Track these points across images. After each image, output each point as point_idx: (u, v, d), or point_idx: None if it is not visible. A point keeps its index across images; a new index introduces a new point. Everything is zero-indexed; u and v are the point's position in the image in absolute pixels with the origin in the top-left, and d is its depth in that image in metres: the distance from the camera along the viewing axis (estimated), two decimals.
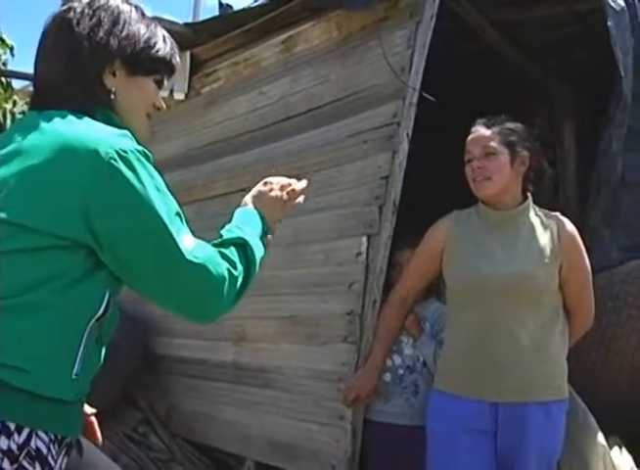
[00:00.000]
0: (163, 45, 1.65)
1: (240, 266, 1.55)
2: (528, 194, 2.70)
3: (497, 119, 2.70)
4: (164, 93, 4.34)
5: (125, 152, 1.42)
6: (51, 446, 1.42)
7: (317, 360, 3.28)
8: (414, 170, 3.20)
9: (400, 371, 3.10)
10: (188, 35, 4.21)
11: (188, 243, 1.45)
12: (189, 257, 1.44)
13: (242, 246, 1.59)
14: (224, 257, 1.53)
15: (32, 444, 1.38)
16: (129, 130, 1.53)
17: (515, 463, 2.51)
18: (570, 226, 2.66)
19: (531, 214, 2.66)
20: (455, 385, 2.62)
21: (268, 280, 3.55)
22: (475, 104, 4.05)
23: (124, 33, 1.58)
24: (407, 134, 3.11)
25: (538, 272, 2.54)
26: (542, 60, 4.15)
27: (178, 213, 1.48)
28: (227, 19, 4.05)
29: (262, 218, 1.74)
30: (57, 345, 1.41)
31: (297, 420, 3.32)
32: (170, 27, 4.13)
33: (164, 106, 1.72)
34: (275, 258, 3.54)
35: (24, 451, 1.37)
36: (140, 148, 1.47)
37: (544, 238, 2.60)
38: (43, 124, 1.47)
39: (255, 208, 1.76)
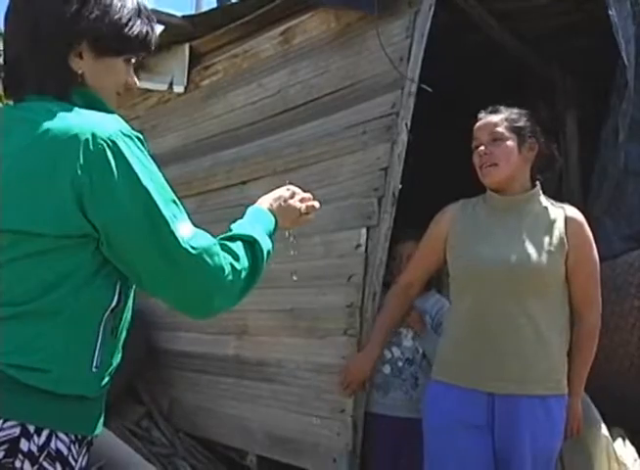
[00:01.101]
0: (137, 23, 1.55)
1: (245, 261, 1.51)
2: (537, 182, 2.67)
3: (504, 107, 2.68)
4: (163, 86, 4.34)
5: (116, 138, 1.37)
6: (72, 447, 1.41)
7: (317, 353, 3.27)
8: (415, 162, 3.19)
9: (400, 363, 3.09)
10: (186, 28, 4.19)
11: (185, 231, 1.41)
12: (185, 245, 1.39)
13: (250, 243, 1.56)
14: (227, 249, 1.49)
15: (53, 445, 1.37)
16: (110, 111, 1.49)
17: (511, 457, 2.48)
18: (577, 216, 2.62)
19: (539, 202, 2.63)
20: (452, 374, 2.59)
21: (268, 273, 3.53)
22: (476, 94, 4.05)
23: (93, 14, 1.48)
24: (406, 125, 3.08)
25: (540, 259, 2.50)
26: (543, 49, 4.11)
27: (174, 201, 1.44)
28: (225, 11, 4.01)
29: (275, 223, 1.72)
30: (74, 341, 1.40)
31: (298, 414, 3.31)
32: (169, 20, 4.15)
33: (137, 82, 1.64)
34: (275, 251, 3.52)
35: (45, 453, 1.36)
36: (133, 132, 1.42)
37: (550, 226, 2.56)
38: (26, 122, 1.41)
39: (271, 210, 1.73)
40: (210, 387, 3.86)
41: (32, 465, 1.34)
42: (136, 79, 1.64)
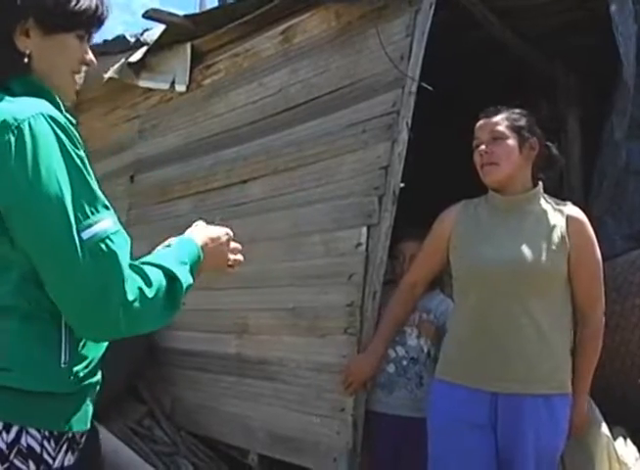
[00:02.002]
0: None
1: (157, 292, 1.38)
2: (539, 182, 2.67)
3: (505, 106, 2.68)
4: (165, 85, 4.35)
5: (27, 121, 1.30)
6: (45, 443, 1.37)
7: (318, 352, 3.27)
8: (416, 160, 3.19)
9: (404, 362, 3.09)
10: (188, 27, 4.20)
11: (91, 232, 1.30)
12: (82, 248, 1.28)
13: (171, 278, 1.43)
14: (140, 272, 1.37)
15: (23, 441, 1.34)
16: (50, 97, 1.44)
17: (514, 457, 2.48)
18: (579, 215, 2.62)
19: (541, 202, 2.63)
20: (455, 373, 2.60)
21: (269, 272, 3.55)
22: (477, 92, 4.04)
23: None
24: (407, 123, 3.08)
25: (542, 258, 2.50)
26: (545, 47, 4.10)
27: (91, 198, 1.33)
28: (226, 10, 4.02)
29: (200, 261, 1.57)
30: (33, 338, 1.36)
31: (298, 412, 3.31)
32: (170, 19, 4.15)
33: (95, 60, 1.56)
34: (275, 250, 3.54)
35: (15, 450, 1.33)
36: (59, 118, 1.35)
37: (552, 225, 2.56)
38: None
39: (202, 247, 1.59)
40: (212, 385, 3.86)
41: (2, 463, 1.32)
42: (92, 55, 1.56)
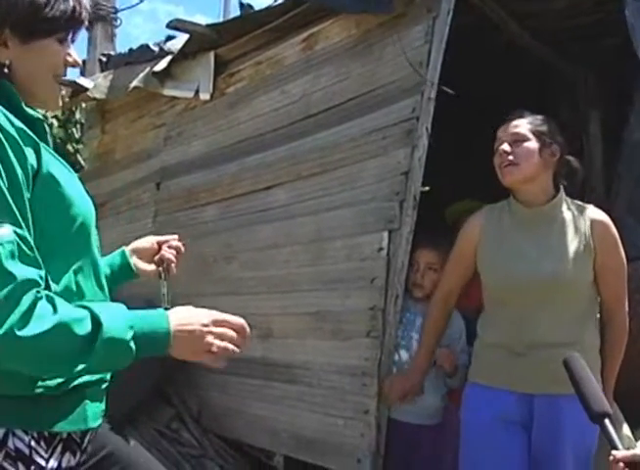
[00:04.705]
0: (62, 1, 1.44)
1: (55, 321, 1.25)
2: (561, 187, 2.68)
3: (529, 111, 2.70)
4: (190, 94, 4.42)
5: None
6: (34, 444, 1.36)
7: (341, 355, 3.31)
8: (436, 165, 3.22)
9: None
10: (211, 36, 4.26)
11: None
12: None
13: (97, 324, 1.30)
14: (54, 302, 1.27)
15: (10, 444, 1.33)
16: (7, 92, 1.40)
17: (550, 456, 2.51)
18: (603, 217, 2.63)
19: (564, 209, 2.64)
20: (489, 376, 2.64)
21: (293, 276, 3.60)
22: (499, 96, 4.06)
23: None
24: (426, 129, 3.11)
25: (571, 270, 2.53)
26: (565, 49, 4.11)
27: None
28: (248, 18, 4.07)
29: (163, 342, 1.38)
30: None
31: (322, 415, 3.36)
32: (193, 29, 4.22)
33: (79, 61, 1.54)
34: (300, 255, 3.59)
35: (3, 453, 1.33)
36: None
37: (576, 231, 2.58)
38: None
39: (173, 331, 1.38)
40: (238, 388, 3.92)
41: None
42: (76, 56, 1.53)
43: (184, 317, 1.41)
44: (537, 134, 2.62)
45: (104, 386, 1.56)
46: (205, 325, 1.41)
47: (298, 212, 3.65)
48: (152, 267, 1.93)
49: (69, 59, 1.51)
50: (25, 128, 1.36)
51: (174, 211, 4.53)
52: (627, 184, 3.46)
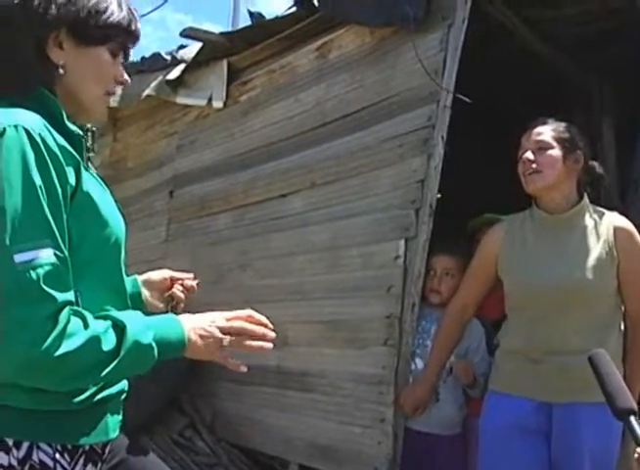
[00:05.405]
0: (117, 10, 1.46)
1: (89, 336, 1.28)
2: (585, 195, 2.67)
3: (553, 118, 2.70)
4: (203, 102, 4.43)
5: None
6: (58, 457, 1.36)
7: (358, 364, 3.31)
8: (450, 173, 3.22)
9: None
10: (224, 44, 4.28)
11: (25, 257, 1.23)
12: (16, 264, 1.22)
13: (121, 329, 1.33)
14: (82, 316, 1.29)
15: (35, 457, 1.34)
16: (54, 107, 1.39)
17: (569, 464, 2.51)
18: (626, 225, 2.63)
19: (587, 216, 2.63)
20: (509, 385, 2.64)
21: (309, 284, 3.60)
22: (513, 103, 4.07)
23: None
24: (442, 137, 3.12)
25: (592, 278, 2.52)
26: (578, 56, 4.10)
27: (35, 218, 1.26)
28: (262, 27, 4.08)
29: (180, 342, 1.42)
30: None
31: (338, 423, 3.35)
32: (206, 37, 4.24)
33: (128, 79, 1.54)
34: (315, 263, 3.59)
35: (27, 466, 1.33)
36: (33, 131, 1.29)
37: (599, 240, 2.58)
38: None
39: (188, 335, 1.43)
40: (253, 397, 3.91)
41: None
42: (126, 76, 1.54)
43: (194, 319, 1.47)
44: (561, 141, 2.62)
45: (123, 397, 1.56)
46: (213, 321, 1.46)
47: (313, 220, 3.65)
48: (161, 305, 1.91)
49: (119, 76, 1.52)
50: (68, 146, 1.37)
51: (187, 219, 4.54)
52: None
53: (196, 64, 4.47)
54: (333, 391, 3.42)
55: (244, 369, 1.54)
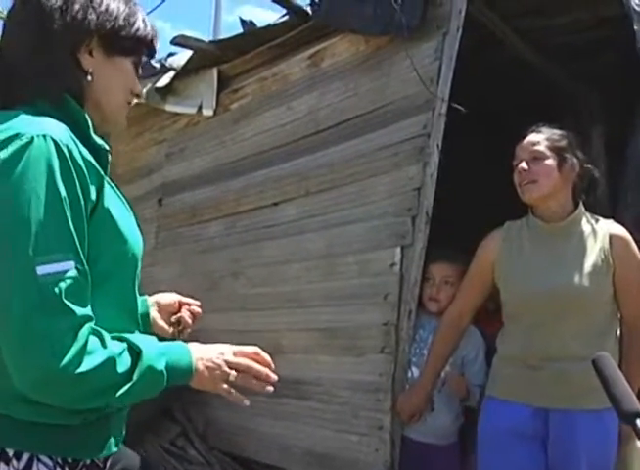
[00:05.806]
0: (143, 25, 1.52)
1: (115, 363, 1.29)
2: (580, 202, 2.69)
3: (547, 126, 2.72)
4: (192, 110, 4.41)
5: (27, 142, 1.27)
6: None
7: (354, 371, 3.31)
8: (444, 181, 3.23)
9: None
10: (214, 52, 4.27)
11: (45, 271, 1.22)
12: (38, 276, 1.21)
13: (137, 353, 1.34)
14: (99, 335, 1.29)
15: (35, 469, 1.33)
16: (81, 118, 1.41)
17: None
18: (622, 233, 2.64)
19: (583, 224, 2.65)
20: (506, 391, 2.65)
21: (304, 292, 3.60)
22: (503, 111, 4.09)
23: (103, 7, 1.45)
24: (437, 145, 3.13)
25: (588, 285, 2.54)
26: (568, 65, 4.15)
27: (60, 231, 1.25)
28: (253, 35, 4.08)
29: (188, 370, 1.44)
30: None
31: (335, 431, 3.35)
32: (196, 45, 4.23)
33: (143, 92, 1.55)
34: (310, 271, 3.59)
35: None
36: (61, 142, 1.29)
37: (595, 248, 2.59)
38: None
39: (196, 367, 1.45)
40: (247, 405, 3.89)
41: None
42: (141, 88, 1.60)
43: (202, 349, 1.49)
44: (555, 150, 2.64)
45: (125, 412, 1.56)
46: (222, 354, 1.49)
47: (309, 228, 3.65)
48: (167, 327, 1.92)
49: (136, 88, 1.57)
50: (93, 161, 1.37)
51: (178, 226, 4.52)
52: (633, 200, 3.48)
53: (185, 71, 4.46)
54: (329, 398, 3.42)
55: (246, 403, 1.58)
